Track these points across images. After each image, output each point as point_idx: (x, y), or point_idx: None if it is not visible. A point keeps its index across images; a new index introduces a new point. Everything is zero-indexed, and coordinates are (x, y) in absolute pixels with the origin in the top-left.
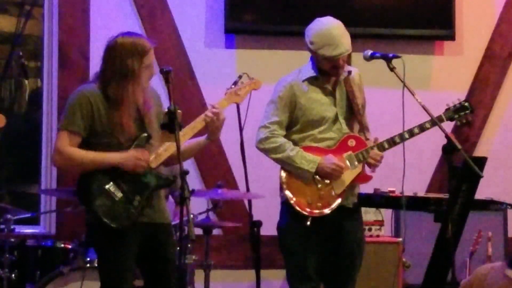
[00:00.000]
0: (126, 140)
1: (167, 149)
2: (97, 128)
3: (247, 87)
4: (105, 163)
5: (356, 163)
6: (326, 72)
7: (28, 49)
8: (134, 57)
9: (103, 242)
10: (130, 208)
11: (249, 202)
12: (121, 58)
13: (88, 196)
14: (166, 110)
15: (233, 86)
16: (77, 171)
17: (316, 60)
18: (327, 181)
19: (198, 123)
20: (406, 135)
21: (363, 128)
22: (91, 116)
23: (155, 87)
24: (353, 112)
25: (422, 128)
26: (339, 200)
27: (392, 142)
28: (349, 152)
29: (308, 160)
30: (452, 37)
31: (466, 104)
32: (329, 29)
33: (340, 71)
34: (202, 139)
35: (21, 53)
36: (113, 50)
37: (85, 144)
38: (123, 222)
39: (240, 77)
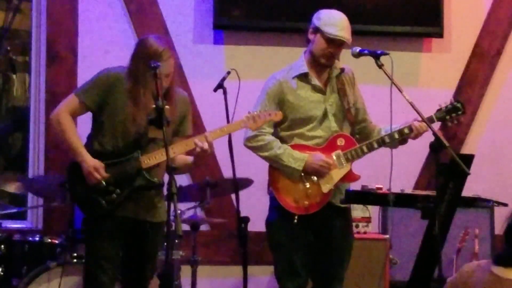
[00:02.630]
0: (135, 130)
1: (162, 153)
2: (110, 108)
3: (267, 118)
4: (74, 156)
5: (344, 162)
6: (317, 58)
7: (16, 43)
8: (145, 62)
9: (85, 230)
10: (106, 199)
11: (237, 198)
12: (136, 59)
13: (71, 178)
14: (154, 106)
15: (254, 112)
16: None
17: (313, 42)
18: (315, 180)
19: (190, 143)
20: (396, 135)
21: (354, 128)
22: (106, 96)
23: None
24: (343, 110)
25: (411, 128)
26: (326, 200)
27: (381, 142)
28: (338, 151)
29: (295, 158)
30: (440, 35)
31: (458, 105)
32: (340, 15)
33: (332, 60)
34: (189, 161)
35: (9, 48)
36: (135, 48)
37: (95, 120)
38: (95, 210)
39: (228, 73)
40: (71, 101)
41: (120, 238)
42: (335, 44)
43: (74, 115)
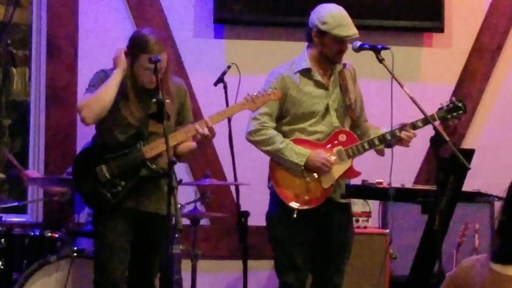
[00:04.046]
0: (134, 123)
1: (164, 143)
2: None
3: (265, 97)
4: (113, 81)
5: (345, 158)
6: (329, 57)
7: (16, 37)
8: (133, 54)
9: (95, 221)
10: (111, 192)
11: (237, 192)
12: (127, 49)
13: (78, 172)
14: (154, 100)
15: (253, 93)
16: (104, 109)
17: (322, 44)
18: (315, 175)
19: (192, 129)
20: (397, 133)
21: (359, 123)
22: None
23: None
24: (345, 106)
25: (414, 126)
26: (326, 195)
27: (383, 139)
28: (339, 147)
29: (297, 153)
30: (441, 29)
31: (460, 104)
32: (340, 11)
33: (342, 57)
34: (193, 146)
35: (9, 41)
36: (129, 40)
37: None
38: (102, 203)
39: (228, 67)
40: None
41: (129, 230)
42: (347, 41)
43: None
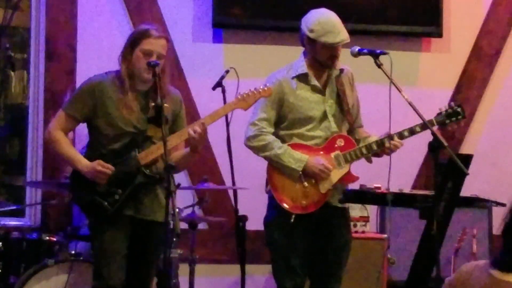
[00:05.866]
0: (130, 130)
1: (159, 147)
2: (102, 114)
3: (256, 95)
4: (74, 165)
5: (343, 163)
6: (323, 63)
7: (15, 41)
8: (132, 44)
9: (92, 228)
10: (108, 200)
11: (235, 196)
12: (126, 43)
13: (74, 185)
14: (153, 104)
15: (244, 92)
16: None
17: (313, 51)
18: (313, 180)
19: (184, 133)
20: (396, 138)
21: (353, 128)
22: (94, 105)
23: None
24: (343, 111)
25: (412, 131)
26: (323, 200)
27: (380, 144)
28: (337, 152)
29: (295, 159)
30: (439, 34)
31: (459, 109)
32: (328, 17)
33: (336, 61)
34: (187, 151)
35: (8, 45)
36: None
37: (90, 127)
38: (100, 213)
39: (227, 71)
40: (60, 116)
41: (126, 237)
42: (338, 47)
43: (66, 130)
